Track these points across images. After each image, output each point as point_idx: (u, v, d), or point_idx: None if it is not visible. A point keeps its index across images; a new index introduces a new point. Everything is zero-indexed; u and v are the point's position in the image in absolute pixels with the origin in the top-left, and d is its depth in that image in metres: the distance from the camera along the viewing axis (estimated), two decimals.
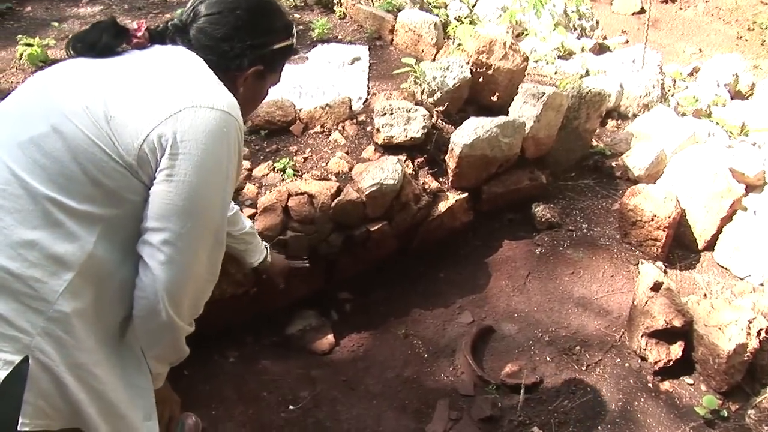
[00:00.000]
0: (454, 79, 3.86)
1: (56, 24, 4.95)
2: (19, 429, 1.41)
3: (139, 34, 1.65)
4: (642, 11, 7.60)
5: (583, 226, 3.85)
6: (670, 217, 3.48)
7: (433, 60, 4.54)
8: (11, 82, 4.28)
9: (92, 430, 1.55)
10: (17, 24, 5.02)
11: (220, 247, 1.62)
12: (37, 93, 1.52)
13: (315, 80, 4.39)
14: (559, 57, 5.83)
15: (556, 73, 5.27)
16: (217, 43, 1.65)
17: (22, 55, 4.32)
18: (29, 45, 4.37)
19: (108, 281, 1.51)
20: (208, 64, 1.62)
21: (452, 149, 3.57)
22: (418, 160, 3.61)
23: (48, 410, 1.45)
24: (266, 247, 2.66)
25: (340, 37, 4.93)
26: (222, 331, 3.24)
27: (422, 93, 3.91)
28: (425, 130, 3.58)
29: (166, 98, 1.46)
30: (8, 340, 1.39)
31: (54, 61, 4.50)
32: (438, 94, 3.87)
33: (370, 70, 4.52)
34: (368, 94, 4.21)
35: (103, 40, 1.58)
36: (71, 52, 1.61)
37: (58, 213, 1.42)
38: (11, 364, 1.38)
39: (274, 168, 3.38)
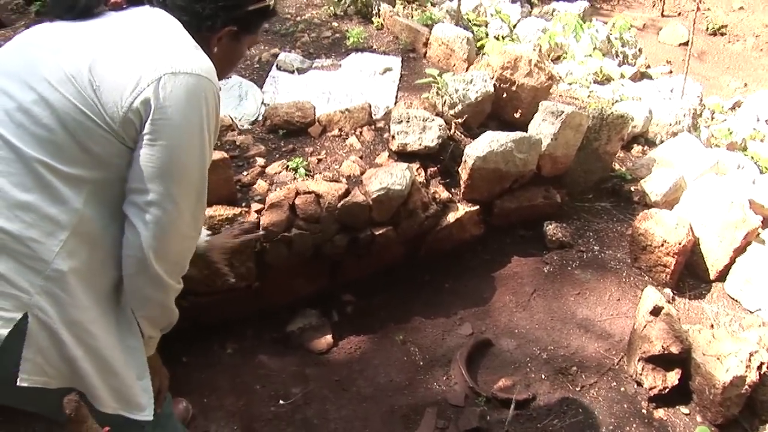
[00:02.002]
0: (477, 92, 3.88)
1: None
2: (18, 384, 1.47)
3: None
4: (688, 42, 7.52)
5: (595, 248, 3.82)
6: (680, 244, 3.44)
7: None
8: None
9: (89, 389, 1.60)
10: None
11: (202, 206, 1.64)
12: (21, 58, 1.54)
13: (345, 87, 4.45)
14: (597, 82, 5.80)
15: (588, 96, 5.24)
16: (190, 4, 1.64)
17: None
18: None
19: (100, 241, 1.56)
20: (183, 25, 1.61)
21: (465, 161, 3.58)
22: (431, 169, 3.63)
23: (46, 367, 1.50)
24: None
25: (374, 47, 4.99)
26: (223, 323, 3.30)
27: (443, 104, 3.94)
28: (440, 140, 3.60)
29: (147, 64, 1.47)
30: (8, 298, 1.44)
31: None
32: (459, 107, 3.89)
33: (400, 81, 4.57)
34: (395, 104, 4.25)
35: (81, 2, 1.58)
36: (50, 14, 1.61)
37: (48, 175, 1.47)
38: (12, 322, 1.44)
39: (287, 167, 3.44)
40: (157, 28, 1.58)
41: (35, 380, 1.49)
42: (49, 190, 1.47)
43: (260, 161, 3.47)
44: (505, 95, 4.06)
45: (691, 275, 3.70)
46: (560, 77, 5.56)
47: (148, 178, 1.49)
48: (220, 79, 1.65)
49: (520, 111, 4.08)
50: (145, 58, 1.48)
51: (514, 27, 6.53)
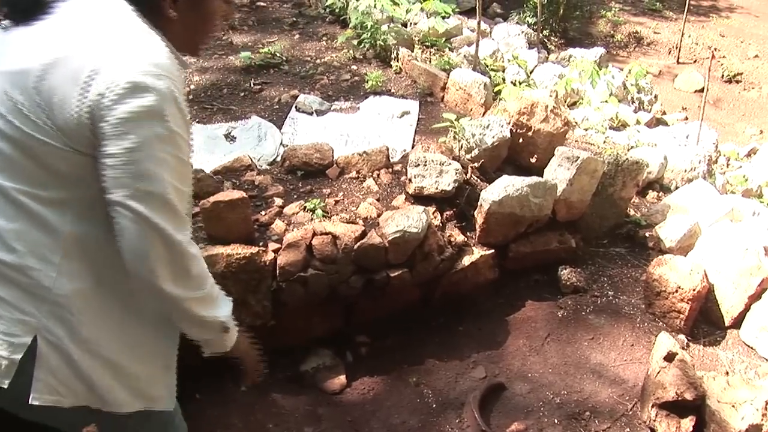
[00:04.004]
0: (493, 137, 3.93)
1: None
2: (30, 402, 1.51)
3: None
4: (704, 89, 7.58)
5: (609, 293, 3.83)
6: (694, 290, 3.44)
7: None
8: None
9: (111, 402, 1.63)
10: None
11: (182, 199, 1.50)
12: None
13: (363, 130, 4.52)
14: (612, 128, 5.85)
15: (604, 142, 5.29)
16: None
17: None
18: None
19: (101, 257, 1.54)
20: (131, 2, 1.50)
21: (481, 205, 3.62)
22: (447, 212, 3.67)
23: (58, 387, 1.54)
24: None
25: (393, 90, 5.07)
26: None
27: (460, 149, 3.99)
28: (456, 184, 3.64)
29: (93, 70, 1.39)
30: (17, 323, 1.49)
31: None
32: (475, 151, 3.94)
33: (417, 124, 4.63)
34: (412, 147, 4.31)
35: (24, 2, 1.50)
36: (3, 21, 1.53)
37: (29, 202, 1.47)
38: (24, 346, 1.49)
39: (305, 207, 3.48)
40: (103, 22, 1.47)
41: (46, 399, 1.53)
42: (33, 217, 1.48)
43: (278, 201, 3.52)
44: (521, 140, 4.10)
45: (705, 322, 3.70)
46: (576, 123, 5.62)
47: (117, 184, 1.41)
48: (191, 52, 1.63)
49: (536, 156, 4.12)
50: (88, 64, 1.40)
51: (531, 73, 6.61)
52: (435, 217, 3.58)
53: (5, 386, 1.50)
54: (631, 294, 3.83)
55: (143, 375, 1.70)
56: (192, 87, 4.97)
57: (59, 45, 1.43)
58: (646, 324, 3.65)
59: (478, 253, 3.65)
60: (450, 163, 3.71)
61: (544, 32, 8.20)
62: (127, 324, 1.64)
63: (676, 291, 3.49)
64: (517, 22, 8.21)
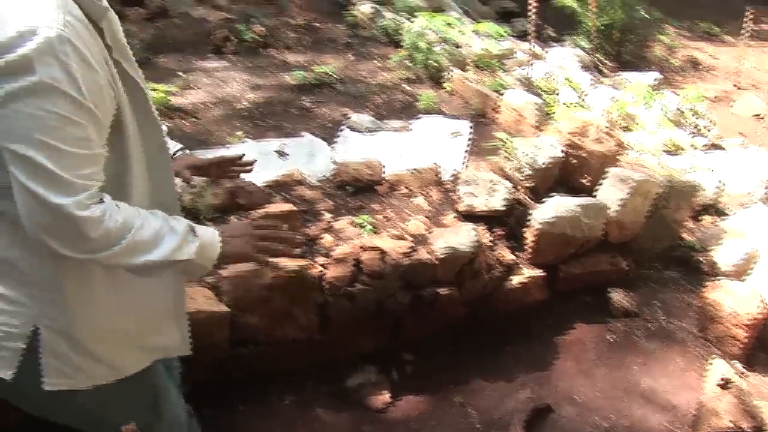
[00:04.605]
0: (545, 157, 3.90)
1: (183, 74, 5.34)
2: (44, 388, 1.55)
3: None
4: (763, 114, 7.41)
5: (661, 317, 3.75)
6: (752, 316, 3.35)
7: None
8: None
9: (124, 368, 1.69)
10: (151, 71, 5.43)
11: (62, 158, 1.32)
12: None
13: (414, 149, 4.53)
14: (667, 152, 5.75)
15: (658, 165, 5.20)
16: None
17: None
18: (155, 90, 4.74)
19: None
20: None
21: (532, 225, 3.59)
22: (497, 231, 3.64)
23: (66, 369, 1.58)
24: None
25: (445, 110, 5.08)
26: (282, 374, 3.32)
27: (512, 168, 3.96)
28: (507, 203, 3.62)
29: None
30: (15, 315, 1.52)
31: (177, 108, 4.87)
32: (527, 171, 3.91)
33: (469, 144, 4.63)
34: (463, 167, 4.31)
35: None
36: None
37: None
38: (25, 336, 1.52)
39: (354, 223, 3.49)
40: None
41: (57, 383, 1.57)
42: None
43: (328, 216, 3.53)
44: (573, 161, 4.06)
45: (763, 349, 3.59)
46: (629, 146, 5.54)
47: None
48: None
49: (588, 177, 4.07)
50: None
51: (584, 95, 6.54)
52: (485, 236, 3.56)
53: (8, 378, 1.53)
54: (683, 319, 3.75)
55: (146, 329, 1.74)
56: (246, 103, 5.05)
57: None
58: (699, 350, 3.56)
59: (527, 272, 3.62)
60: (501, 182, 3.69)
61: (598, 55, 8.13)
62: (108, 286, 1.61)
63: (732, 316, 3.40)
64: (570, 45, 8.15)
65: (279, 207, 3.24)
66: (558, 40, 8.71)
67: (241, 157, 2.28)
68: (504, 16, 9.13)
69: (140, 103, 1.57)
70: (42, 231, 1.36)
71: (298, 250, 2.53)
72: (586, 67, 7.44)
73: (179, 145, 2.20)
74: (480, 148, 4.51)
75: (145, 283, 1.66)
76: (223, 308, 3.03)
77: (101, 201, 1.40)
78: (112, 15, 1.55)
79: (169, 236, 1.51)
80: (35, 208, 1.33)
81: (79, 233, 1.37)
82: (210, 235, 1.61)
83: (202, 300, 3.02)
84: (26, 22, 1.26)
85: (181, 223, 1.56)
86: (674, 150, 5.86)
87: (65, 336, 1.56)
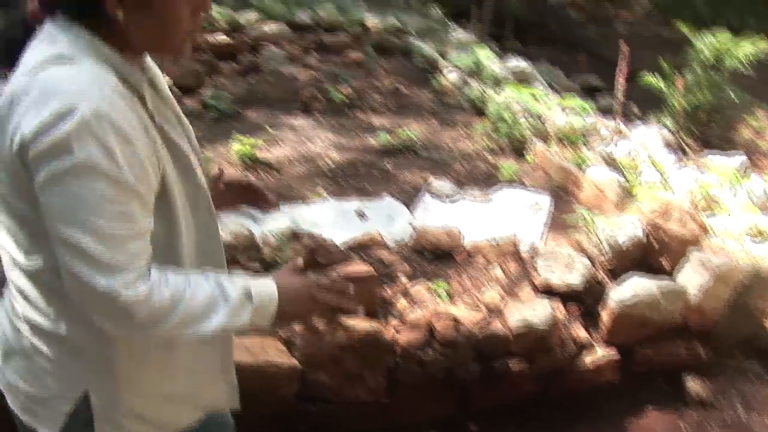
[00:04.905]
0: (625, 236, 3.87)
1: (270, 129, 5.53)
2: None
3: (35, 4, 1.39)
4: None
5: (740, 410, 3.63)
6: None
7: None
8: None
9: (171, 427, 1.68)
10: (238, 125, 5.64)
11: (106, 239, 1.29)
12: None
13: (493, 219, 4.55)
14: (751, 238, 5.63)
15: (741, 251, 5.09)
16: None
17: (235, 150, 4.87)
18: (241, 143, 4.92)
19: None
20: (69, 15, 1.33)
21: (608, 304, 3.55)
22: (573, 308, 3.61)
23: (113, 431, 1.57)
24: None
25: (526, 182, 5.10)
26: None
27: (591, 245, 3.94)
28: (584, 280, 3.60)
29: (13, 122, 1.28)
30: (64, 379, 1.53)
31: (262, 162, 5.02)
32: (606, 249, 3.88)
33: (548, 218, 4.63)
34: (540, 240, 4.30)
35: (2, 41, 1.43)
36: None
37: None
38: (73, 400, 1.52)
39: (430, 289, 3.52)
40: (33, 64, 1.32)
41: None
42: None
43: (404, 280, 3.57)
44: (654, 242, 4.01)
45: None
46: (713, 230, 5.44)
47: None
48: (161, 51, 1.47)
49: (668, 259, 4.01)
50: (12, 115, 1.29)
51: (667, 176, 6.48)
52: (560, 312, 3.53)
53: None
54: (764, 413, 3.62)
55: (194, 387, 1.70)
56: (329, 162, 5.17)
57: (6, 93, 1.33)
58: None
59: (601, 352, 3.56)
60: (579, 259, 3.68)
61: (683, 136, 8.05)
62: (159, 353, 1.59)
63: None
64: (655, 124, 8.10)
65: (357, 268, 3.28)
66: (642, 118, 8.67)
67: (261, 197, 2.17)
68: (588, 91, 9.16)
69: (185, 168, 1.51)
70: (89, 311, 1.35)
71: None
72: (670, 146, 7.38)
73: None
74: (559, 222, 4.50)
75: (195, 345, 1.62)
76: (294, 363, 3.07)
77: (148, 278, 1.34)
78: (158, 79, 1.55)
79: (222, 305, 1.43)
80: (80, 289, 1.31)
81: (126, 314, 1.33)
82: (268, 296, 1.52)
83: (274, 352, 3.07)
84: (64, 101, 1.23)
85: (236, 286, 1.47)
86: (759, 236, 5.73)
87: (114, 401, 1.54)
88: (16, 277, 1.49)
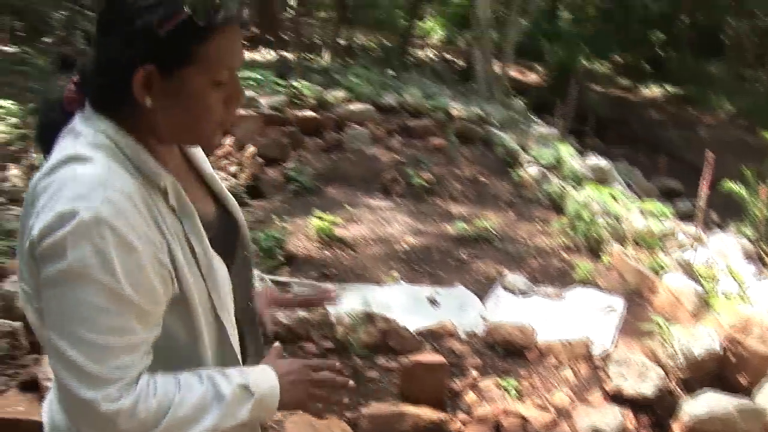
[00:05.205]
0: (702, 349, 3.80)
1: (348, 207, 5.64)
2: None
3: (71, 89, 1.35)
4: None
5: None
6: None
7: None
8: (296, 245, 4.92)
9: None
10: (318, 200, 5.78)
11: (94, 350, 1.22)
12: None
13: (565, 319, 4.52)
14: None
15: None
16: (94, 78, 1.30)
17: (313, 225, 5.01)
18: (320, 219, 5.05)
19: None
20: (94, 105, 1.29)
21: (681, 417, 3.47)
22: (643, 418, 3.54)
23: None
24: None
25: (600, 283, 5.07)
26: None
27: (665, 355, 3.88)
28: (657, 390, 3.54)
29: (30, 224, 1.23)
30: None
31: (338, 239, 5.12)
32: (681, 360, 3.81)
33: (621, 322, 4.57)
34: (612, 344, 4.25)
35: (39, 125, 1.39)
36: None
37: None
38: None
39: (499, 385, 3.51)
40: (50, 164, 1.26)
41: None
42: None
43: (474, 373, 3.57)
44: (732, 357, 3.93)
45: None
46: None
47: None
48: (191, 142, 1.43)
49: (746, 377, 3.91)
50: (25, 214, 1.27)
51: (746, 287, 6.34)
52: (630, 421, 3.47)
53: None
54: None
55: None
56: (405, 246, 5.23)
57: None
58: None
59: None
60: (653, 368, 3.63)
61: (764, 247, 7.89)
62: None
63: None
64: (734, 233, 7.97)
65: (430, 357, 3.31)
66: (721, 226, 8.54)
67: (321, 301, 2.04)
68: (666, 194, 9.10)
69: (208, 266, 1.38)
70: (73, 419, 1.29)
71: (345, 399, 2.31)
72: (749, 257, 7.23)
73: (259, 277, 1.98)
74: (632, 327, 4.45)
75: None
76: None
77: (135, 387, 1.25)
78: (197, 160, 1.51)
79: (215, 406, 1.34)
80: (65, 397, 1.25)
81: (109, 425, 1.25)
82: (269, 387, 1.42)
83: None
84: (67, 204, 1.17)
85: (232, 383, 1.36)
86: None
87: None
88: None
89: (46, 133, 1.34)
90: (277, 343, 1.67)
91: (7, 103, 6.21)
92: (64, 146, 1.26)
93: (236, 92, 1.34)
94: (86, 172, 1.20)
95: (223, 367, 1.40)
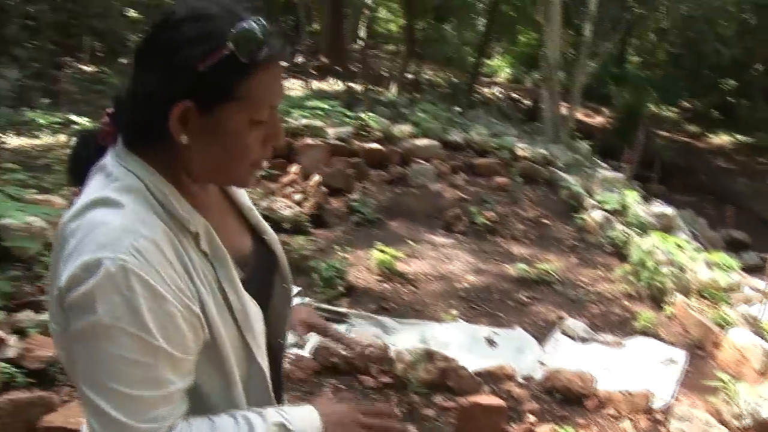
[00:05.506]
0: None
1: (410, 242, 5.66)
2: None
3: (105, 121, 1.31)
4: None
5: None
6: None
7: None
8: (356, 277, 4.95)
9: None
10: (380, 233, 5.82)
11: (125, 403, 1.20)
12: None
13: (625, 368, 4.45)
14: None
15: None
16: (124, 110, 1.27)
17: (375, 257, 5.05)
18: (383, 252, 5.08)
19: None
20: (132, 148, 1.24)
21: None
22: None
23: None
24: None
25: (661, 334, 4.98)
26: None
27: (730, 414, 3.78)
28: None
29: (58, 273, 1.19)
30: None
31: (399, 274, 5.14)
32: (747, 421, 3.72)
33: (682, 375, 4.48)
34: (672, 398, 4.16)
35: (72, 156, 1.35)
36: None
37: None
38: None
39: None
40: (81, 205, 1.23)
41: None
42: None
43: (531, 418, 3.53)
44: None
45: None
46: None
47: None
48: (227, 181, 1.38)
49: None
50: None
51: None
52: None
53: None
54: None
55: None
56: (465, 285, 5.22)
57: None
58: None
59: None
60: (716, 427, 3.54)
61: None
62: None
63: None
64: None
65: (488, 400, 3.29)
66: None
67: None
68: (733, 246, 8.92)
69: (243, 312, 1.34)
70: None
71: None
72: None
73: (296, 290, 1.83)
74: (694, 381, 4.35)
75: None
76: None
77: None
78: (237, 196, 1.47)
79: None
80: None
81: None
82: (310, 426, 1.36)
83: None
84: (93, 253, 1.13)
85: (268, 421, 1.31)
86: None
87: None
88: None
89: (78, 165, 1.31)
90: (326, 389, 1.61)
91: (84, 120, 6.41)
92: (94, 186, 1.23)
93: (275, 131, 1.28)
94: (113, 219, 1.16)
95: (258, 406, 1.35)
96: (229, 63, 1.16)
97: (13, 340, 3.15)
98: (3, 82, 10.33)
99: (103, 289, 1.12)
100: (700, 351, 4.85)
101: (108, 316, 1.12)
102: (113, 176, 1.21)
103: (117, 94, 1.26)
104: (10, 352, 3.06)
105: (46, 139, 7.14)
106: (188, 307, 1.20)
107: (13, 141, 7.14)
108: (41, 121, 7.44)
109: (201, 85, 1.16)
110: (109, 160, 1.24)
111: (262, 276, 1.42)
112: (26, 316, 3.35)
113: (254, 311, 1.34)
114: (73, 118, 6.88)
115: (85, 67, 12.12)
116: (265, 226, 1.49)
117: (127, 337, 1.14)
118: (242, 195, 1.48)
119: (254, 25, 1.16)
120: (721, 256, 5.96)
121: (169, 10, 1.20)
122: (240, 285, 1.31)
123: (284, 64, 1.29)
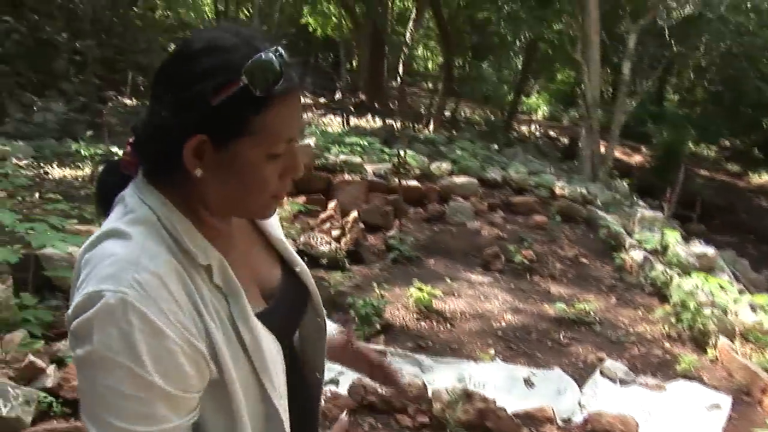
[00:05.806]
0: None
1: (448, 280, 5.65)
2: None
3: (128, 151, 1.29)
4: None
5: None
6: None
7: None
8: (393, 314, 4.94)
9: None
10: (418, 270, 5.81)
11: None
12: None
13: (666, 413, 4.36)
14: None
15: None
16: (146, 146, 1.24)
17: (412, 295, 5.04)
18: (420, 290, 5.08)
19: None
20: (150, 178, 1.23)
21: None
22: None
23: None
24: None
25: (704, 378, 4.88)
26: None
27: None
28: None
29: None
30: None
31: (436, 312, 5.12)
32: None
33: (728, 423, 4.38)
34: None
35: (98, 186, 1.33)
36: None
37: None
38: None
39: None
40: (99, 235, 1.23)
41: None
42: None
43: None
44: None
45: None
46: None
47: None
48: (244, 214, 1.34)
49: None
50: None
51: None
52: None
53: None
54: None
55: None
56: (503, 324, 5.18)
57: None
58: None
59: None
60: None
61: None
62: None
63: None
64: None
65: None
66: None
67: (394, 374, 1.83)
68: None
69: (255, 349, 1.28)
70: None
71: None
72: None
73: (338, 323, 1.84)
74: (740, 428, 4.24)
75: None
76: None
77: None
78: (267, 226, 1.43)
79: None
80: None
81: None
82: None
83: None
84: (97, 284, 1.12)
85: None
86: None
87: None
88: None
89: (103, 195, 1.29)
90: (343, 415, 1.62)
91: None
92: (112, 217, 1.22)
93: (294, 164, 1.23)
94: (120, 250, 1.15)
95: None
96: (244, 96, 1.12)
97: (51, 369, 3.18)
98: (50, 115, 10.61)
99: (102, 320, 1.10)
100: (746, 397, 4.73)
101: (103, 347, 1.10)
102: (129, 207, 1.20)
103: (135, 123, 1.23)
104: (49, 382, 3.10)
105: (88, 170, 7.29)
106: (191, 343, 1.16)
107: (57, 172, 7.29)
108: (84, 152, 7.61)
109: (214, 119, 1.13)
110: (128, 190, 1.23)
111: (288, 308, 1.39)
112: (65, 345, 3.39)
113: (271, 348, 1.30)
114: (115, 149, 7.02)
115: (127, 101, 12.39)
116: (296, 257, 1.45)
117: (120, 370, 1.11)
118: (272, 226, 1.44)
119: (272, 56, 1.13)
120: (766, 299, 5.84)
121: (186, 41, 1.18)
122: (255, 321, 1.27)
123: (305, 96, 1.27)
